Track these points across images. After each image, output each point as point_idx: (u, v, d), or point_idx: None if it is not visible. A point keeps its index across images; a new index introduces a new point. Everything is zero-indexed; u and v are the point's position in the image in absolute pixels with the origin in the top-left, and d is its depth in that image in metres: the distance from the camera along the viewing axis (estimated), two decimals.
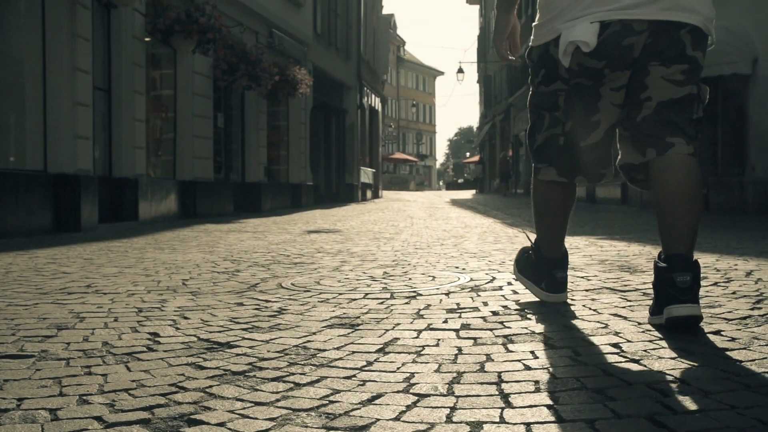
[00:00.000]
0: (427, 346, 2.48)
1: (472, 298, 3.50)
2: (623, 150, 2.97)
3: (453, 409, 1.79)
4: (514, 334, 2.63)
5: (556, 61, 2.88)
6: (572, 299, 3.35)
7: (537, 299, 3.34)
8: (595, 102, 2.89)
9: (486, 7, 44.36)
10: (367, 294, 3.70)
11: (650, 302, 3.16)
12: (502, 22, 3.19)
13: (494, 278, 4.21)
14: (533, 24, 3.03)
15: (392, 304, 3.36)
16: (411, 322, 2.90)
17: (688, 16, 2.68)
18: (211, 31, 12.12)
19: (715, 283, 3.73)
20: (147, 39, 11.95)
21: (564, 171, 3.04)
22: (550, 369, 2.13)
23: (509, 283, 3.93)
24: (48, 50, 9.18)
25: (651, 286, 3.41)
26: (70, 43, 9.33)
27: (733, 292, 3.43)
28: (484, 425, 1.67)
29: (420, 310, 3.19)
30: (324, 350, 2.45)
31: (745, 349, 2.30)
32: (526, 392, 1.91)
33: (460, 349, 2.41)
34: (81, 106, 9.54)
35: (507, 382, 2.01)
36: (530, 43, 3.03)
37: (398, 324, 2.87)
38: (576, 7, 2.75)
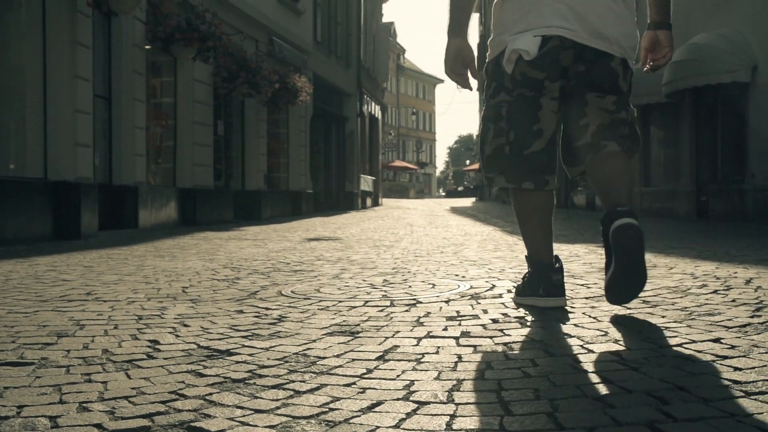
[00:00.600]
0: (427, 353, 2.48)
1: (471, 305, 3.50)
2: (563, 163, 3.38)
3: (453, 416, 1.79)
4: (513, 342, 2.63)
5: (504, 73, 3.17)
6: (572, 307, 3.35)
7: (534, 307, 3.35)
8: (537, 111, 3.13)
9: (485, 15, 44.40)
10: (367, 302, 3.70)
11: (651, 309, 3.20)
12: (456, 45, 3.21)
13: (494, 286, 4.21)
14: (488, 41, 3.31)
15: (392, 312, 3.36)
16: (411, 330, 2.90)
17: (611, 47, 3.05)
18: (212, 39, 12.14)
19: (715, 291, 3.73)
20: (147, 47, 11.98)
21: (511, 178, 3.24)
22: (550, 377, 2.14)
23: (509, 291, 3.93)
24: (48, 58, 9.20)
25: (651, 294, 3.49)
26: (70, 51, 9.35)
27: (733, 300, 3.43)
28: None
29: (420, 317, 3.20)
30: (324, 358, 2.45)
31: (744, 356, 2.30)
32: (525, 400, 1.91)
33: (460, 357, 2.41)
34: (81, 114, 9.56)
35: (507, 389, 2.01)
36: (487, 59, 3.31)
37: (398, 331, 2.88)
38: (521, 23, 3.08)
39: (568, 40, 3.01)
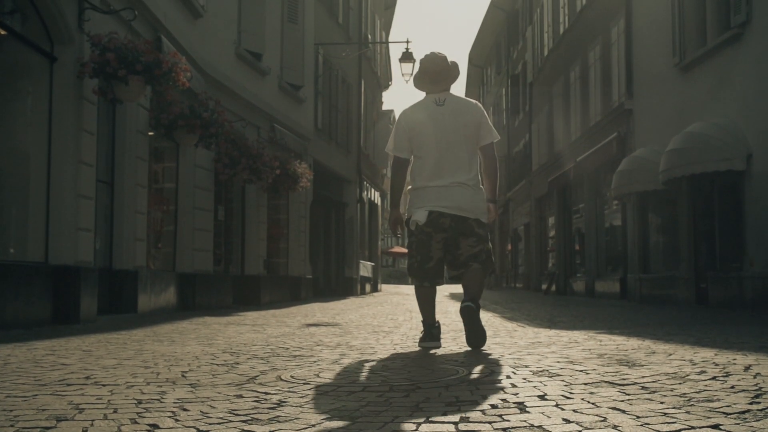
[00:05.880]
0: None
1: (470, 391, 3.50)
2: (448, 269, 5.74)
3: None
4: (512, 428, 2.64)
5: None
6: (570, 393, 3.36)
7: (532, 392, 3.37)
8: (430, 247, 5.52)
9: (484, 103, 45.14)
10: (366, 387, 3.70)
11: (649, 395, 3.22)
12: (394, 214, 5.82)
13: (493, 371, 4.21)
14: (404, 211, 5.79)
15: (391, 397, 3.36)
16: (410, 415, 2.91)
17: (471, 213, 5.45)
18: (214, 126, 12.29)
19: (714, 377, 3.73)
20: (151, 133, 12.15)
21: (419, 279, 5.67)
22: None
23: (508, 377, 3.94)
24: (53, 144, 9.32)
25: (650, 380, 3.52)
26: (75, 138, 9.49)
27: (732, 387, 3.43)
28: None
29: (419, 403, 3.20)
30: None
31: None
32: None
33: None
34: (84, 199, 9.64)
35: None
36: (405, 216, 5.76)
37: (397, 417, 2.88)
38: (418, 204, 5.50)
39: (444, 213, 5.39)
